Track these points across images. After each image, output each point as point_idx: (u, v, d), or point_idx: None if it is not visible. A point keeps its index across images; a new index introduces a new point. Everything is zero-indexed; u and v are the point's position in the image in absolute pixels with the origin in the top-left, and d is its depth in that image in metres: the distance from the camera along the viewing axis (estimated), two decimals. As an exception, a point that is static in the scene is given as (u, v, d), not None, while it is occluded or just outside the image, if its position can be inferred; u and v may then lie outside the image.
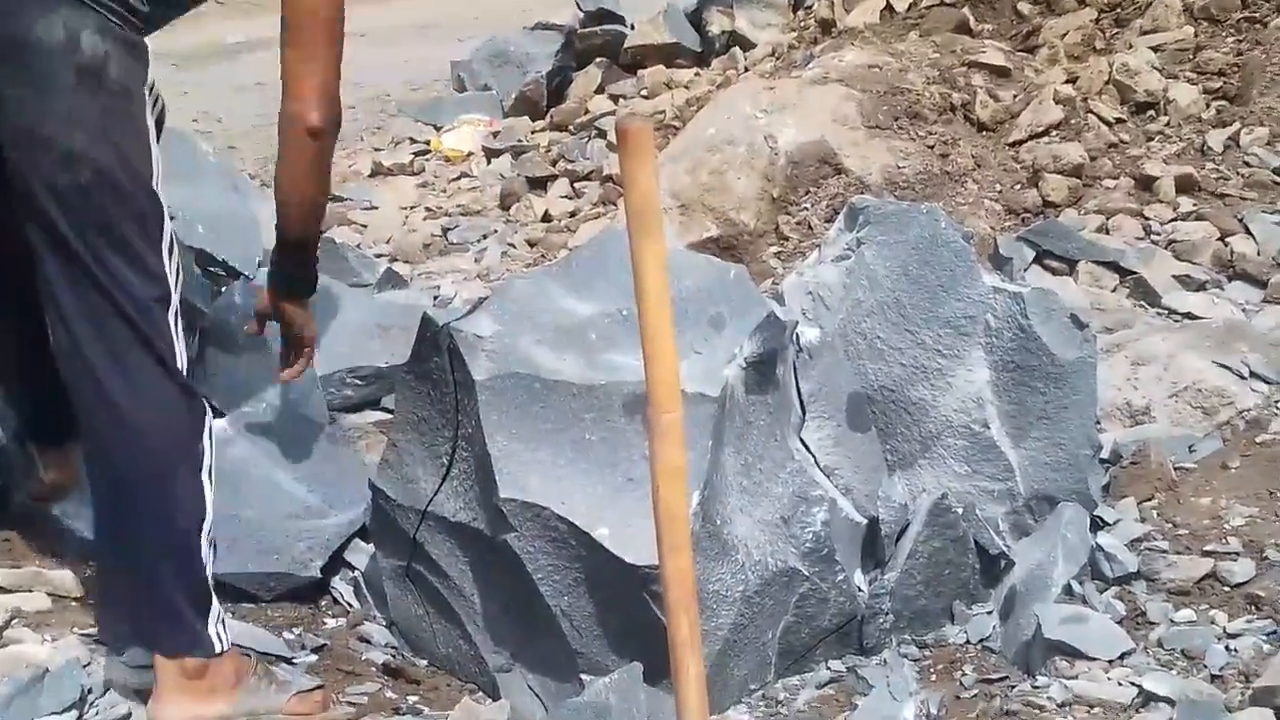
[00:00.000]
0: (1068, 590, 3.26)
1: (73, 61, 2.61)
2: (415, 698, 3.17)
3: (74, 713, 2.82)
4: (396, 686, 3.20)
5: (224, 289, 4.05)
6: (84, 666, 2.93)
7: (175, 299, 2.76)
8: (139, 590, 2.83)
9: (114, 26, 2.66)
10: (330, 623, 3.43)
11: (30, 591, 3.17)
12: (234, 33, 12.16)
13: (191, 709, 2.81)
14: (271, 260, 3.27)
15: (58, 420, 3.27)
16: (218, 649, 2.82)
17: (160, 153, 2.78)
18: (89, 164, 2.62)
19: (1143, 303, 4.77)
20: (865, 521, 3.30)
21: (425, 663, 3.34)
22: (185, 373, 2.79)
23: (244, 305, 3.98)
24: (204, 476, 2.80)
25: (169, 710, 2.81)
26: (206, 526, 2.80)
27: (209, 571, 2.81)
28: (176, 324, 2.76)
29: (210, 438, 2.82)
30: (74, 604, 3.17)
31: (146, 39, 2.77)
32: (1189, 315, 4.63)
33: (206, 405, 2.83)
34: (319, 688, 2.99)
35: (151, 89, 2.79)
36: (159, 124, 2.85)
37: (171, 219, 2.78)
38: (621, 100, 7.93)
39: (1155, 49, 5.99)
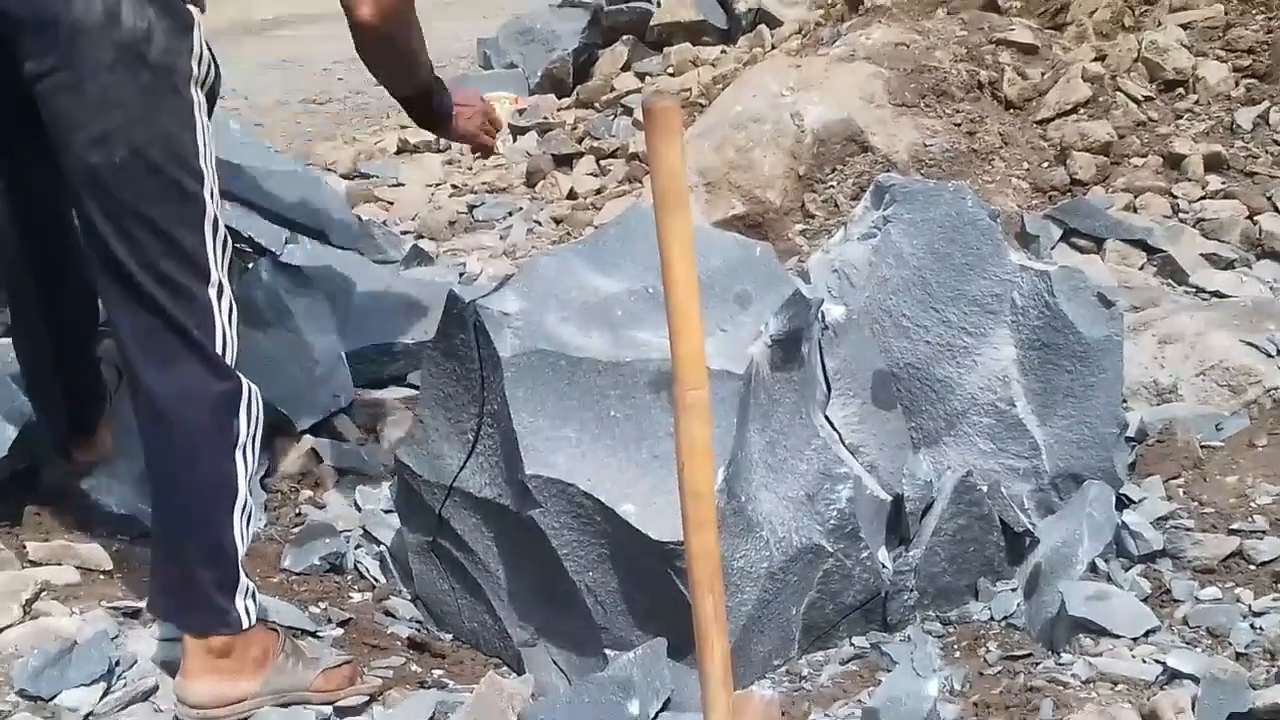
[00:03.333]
0: (1092, 568, 3.25)
1: (111, 39, 2.54)
2: (440, 671, 3.19)
3: (102, 685, 2.84)
4: (421, 660, 3.21)
5: (250, 265, 4.06)
6: (112, 639, 2.95)
7: (218, 277, 2.70)
8: (170, 566, 2.84)
9: None
10: (356, 597, 3.44)
11: (59, 565, 3.19)
12: (263, 9, 12.17)
13: (217, 689, 2.81)
14: None
15: (86, 410, 3.30)
16: (245, 624, 2.81)
17: (210, 125, 2.71)
18: (125, 143, 2.56)
19: (1170, 281, 4.75)
20: (890, 499, 3.30)
21: (450, 637, 3.36)
22: (228, 353, 2.73)
23: (270, 282, 4.00)
24: (237, 455, 2.76)
25: (195, 690, 2.81)
26: (239, 505, 2.77)
27: (240, 548, 2.79)
28: (220, 304, 2.71)
29: (249, 414, 2.77)
30: (102, 577, 3.19)
31: (199, 6, 2.69)
32: (1217, 294, 4.62)
33: (244, 384, 2.76)
34: (347, 662, 3.00)
35: (201, 59, 2.68)
36: (211, 96, 2.76)
37: (220, 194, 2.72)
38: (648, 78, 7.94)
39: (1185, 26, 5.96)
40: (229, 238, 2.75)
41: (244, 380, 2.77)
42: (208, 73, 2.72)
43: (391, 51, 3.02)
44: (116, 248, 2.62)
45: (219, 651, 2.80)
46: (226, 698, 2.82)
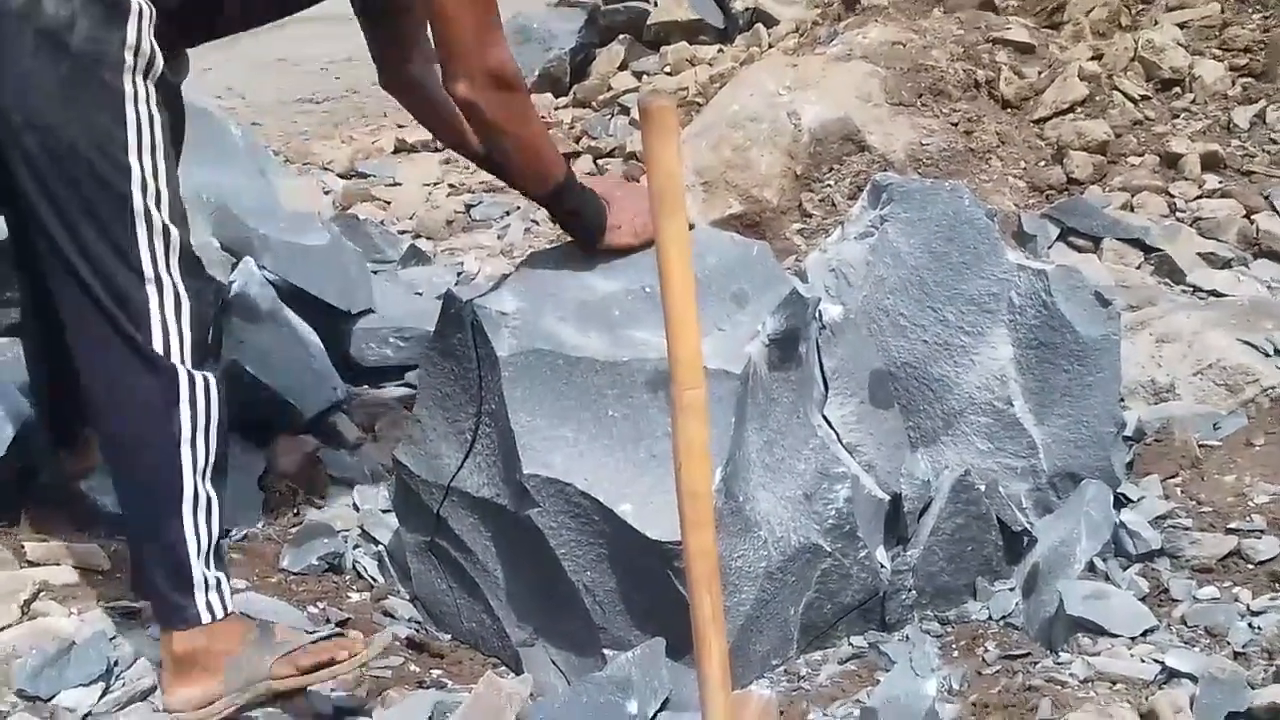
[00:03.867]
0: (1090, 567, 3.26)
1: (32, 25, 2.53)
2: (439, 671, 3.18)
3: (100, 685, 2.84)
4: (420, 660, 3.21)
5: (241, 260, 4.05)
6: (110, 639, 2.94)
7: (156, 273, 2.66)
8: (134, 559, 2.87)
9: None
10: (354, 597, 3.44)
11: (57, 565, 3.18)
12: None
13: (188, 693, 2.79)
14: None
15: (75, 419, 3.29)
16: (206, 619, 2.77)
17: (158, 116, 2.68)
18: (49, 132, 2.56)
19: (1167, 280, 4.75)
20: (888, 498, 3.30)
21: (448, 637, 3.35)
22: (173, 349, 2.69)
23: (260, 276, 4.00)
24: (183, 449, 2.71)
25: (172, 697, 2.80)
26: (189, 499, 2.72)
27: (194, 543, 2.73)
28: (161, 299, 2.67)
29: (194, 407, 2.71)
30: (100, 577, 3.18)
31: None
32: (1214, 293, 4.62)
33: (182, 375, 2.70)
34: (338, 634, 2.93)
35: (139, 49, 2.64)
36: (165, 87, 2.72)
37: (165, 187, 2.68)
38: (645, 77, 7.93)
39: (1181, 25, 5.97)
40: (171, 230, 2.70)
41: (187, 371, 2.71)
42: (151, 63, 2.67)
43: (499, 139, 2.98)
44: (54, 235, 2.63)
45: (186, 654, 2.77)
46: (196, 701, 2.79)
